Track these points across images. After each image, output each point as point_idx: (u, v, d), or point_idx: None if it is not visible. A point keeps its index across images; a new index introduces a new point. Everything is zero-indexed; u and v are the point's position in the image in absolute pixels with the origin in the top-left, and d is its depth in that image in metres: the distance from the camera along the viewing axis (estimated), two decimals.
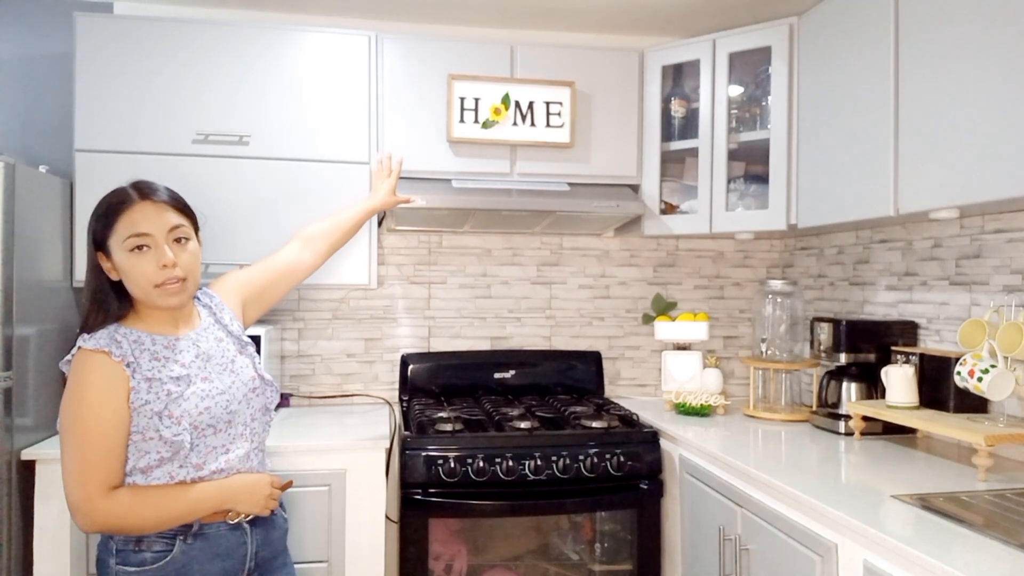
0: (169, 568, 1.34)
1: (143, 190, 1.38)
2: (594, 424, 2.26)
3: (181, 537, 1.36)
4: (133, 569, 1.33)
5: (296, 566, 1.98)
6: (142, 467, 1.34)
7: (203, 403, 1.38)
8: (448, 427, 2.20)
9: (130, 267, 1.34)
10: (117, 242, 1.35)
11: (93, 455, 1.29)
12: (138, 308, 1.41)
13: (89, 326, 1.36)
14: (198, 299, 1.55)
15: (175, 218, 1.39)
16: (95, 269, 1.38)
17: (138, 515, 1.31)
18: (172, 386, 1.36)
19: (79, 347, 1.34)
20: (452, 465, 2.11)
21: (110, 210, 1.35)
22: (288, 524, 1.60)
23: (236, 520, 1.43)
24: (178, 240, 1.39)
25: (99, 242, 1.37)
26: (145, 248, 1.35)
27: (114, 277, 1.38)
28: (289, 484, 1.53)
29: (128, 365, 1.33)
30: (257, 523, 1.47)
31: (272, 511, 1.49)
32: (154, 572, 1.33)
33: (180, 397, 1.35)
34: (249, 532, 1.45)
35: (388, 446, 2.18)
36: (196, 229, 1.46)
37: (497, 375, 2.75)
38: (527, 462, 2.15)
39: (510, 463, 2.13)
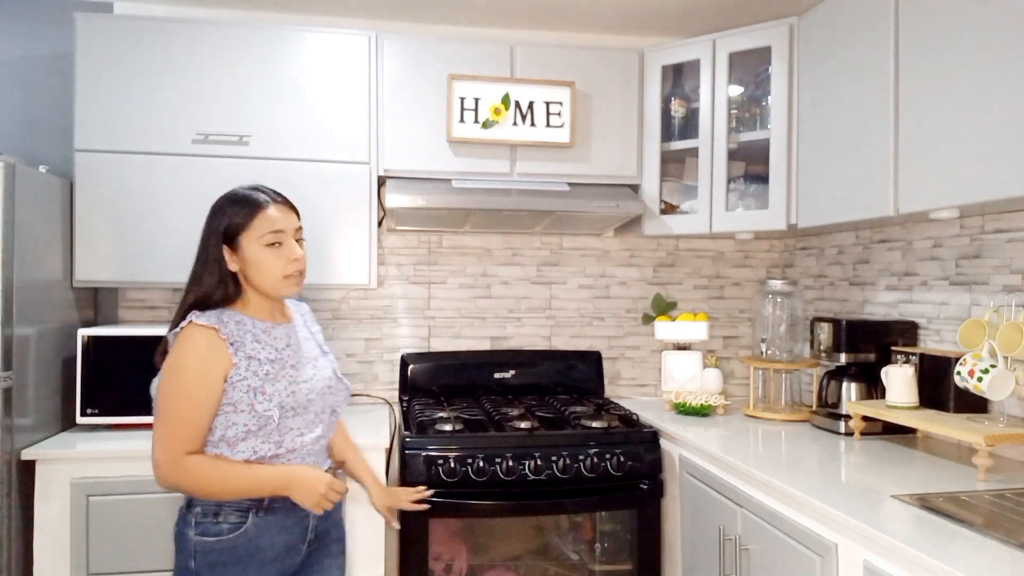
0: (243, 539, 1.45)
1: (271, 194, 1.53)
2: (594, 424, 2.26)
3: (254, 511, 1.47)
4: (211, 539, 1.45)
5: None
6: (229, 438, 1.45)
7: (290, 387, 1.50)
8: (448, 427, 2.20)
9: (263, 260, 1.49)
10: (253, 237, 1.48)
11: (184, 422, 1.42)
12: (245, 295, 1.53)
13: (200, 306, 1.48)
14: (291, 302, 1.70)
15: (297, 220, 1.56)
16: (219, 260, 1.48)
17: (206, 481, 1.42)
18: (269, 367, 1.48)
19: (190, 321, 1.45)
20: (452, 465, 2.11)
21: (249, 209, 1.49)
22: (345, 497, 1.62)
23: None
24: (299, 240, 1.56)
25: (232, 236, 1.48)
26: (278, 244, 1.50)
27: (232, 268, 1.50)
28: (346, 490, 1.56)
29: (232, 344, 1.45)
30: None
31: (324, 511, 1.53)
32: (229, 543, 1.45)
33: (274, 378, 1.48)
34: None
35: (388, 446, 2.18)
36: None
37: (497, 375, 2.75)
38: (527, 462, 2.15)
39: (510, 463, 2.13)
